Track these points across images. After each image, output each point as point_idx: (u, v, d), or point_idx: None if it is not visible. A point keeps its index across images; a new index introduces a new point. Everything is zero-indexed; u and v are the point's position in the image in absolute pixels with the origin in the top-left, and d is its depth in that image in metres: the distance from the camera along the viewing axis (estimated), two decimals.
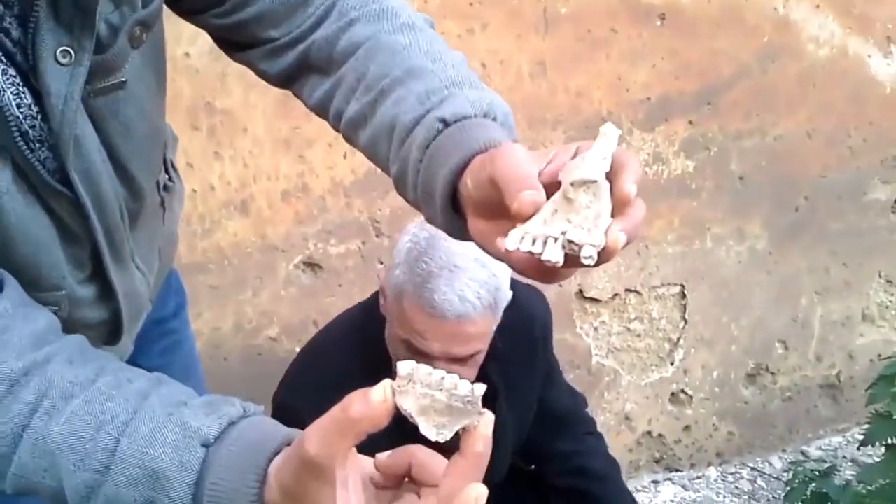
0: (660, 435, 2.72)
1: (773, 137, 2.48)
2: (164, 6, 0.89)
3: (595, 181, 0.58)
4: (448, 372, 0.56)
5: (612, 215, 0.58)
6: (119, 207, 0.89)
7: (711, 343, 2.69)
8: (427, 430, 0.55)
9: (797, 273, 2.71)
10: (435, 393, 0.55)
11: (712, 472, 2.83)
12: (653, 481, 2.75)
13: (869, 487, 2.14)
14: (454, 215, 0.70)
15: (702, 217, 2.50)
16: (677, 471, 2.79)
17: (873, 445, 2.02)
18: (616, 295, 2.49)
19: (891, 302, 2.88)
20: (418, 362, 0.56)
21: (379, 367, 0.96)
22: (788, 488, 2.36)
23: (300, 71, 0.87)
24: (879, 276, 2.82)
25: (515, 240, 0.59)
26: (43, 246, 0.82)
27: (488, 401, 1.42)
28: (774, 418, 2.91)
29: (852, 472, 2.72)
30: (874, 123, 2.60)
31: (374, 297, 1.53)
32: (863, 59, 2.54)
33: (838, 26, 2.49)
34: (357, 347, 1.44)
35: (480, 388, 0.55)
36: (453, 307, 1.27)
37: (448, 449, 0.57)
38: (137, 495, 0.60)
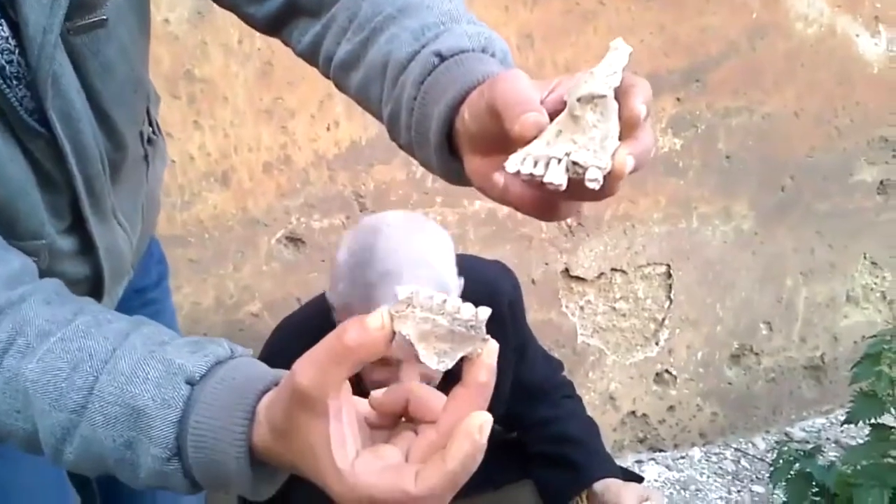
0: (644, 415, 2.72)
1: (760, 116, 2.47)
2: None
3: (604, 96, 0.54)
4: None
5: (620, 138, 0.54)
6: (100, 155, 0.85)
7: (696, 323, 2.68)
8: (427, 357, 0.52)
9: (782, 253, 2.70)
10: (436, 317, 0.52)
11: (696, 453, 2.82)
12: (637, 461, 2.74)
13: (854, 467, 2.14)
14: (450, 157, 0.67)
15: (688, 196, 2.49)
16: (661, 451, 2.79)
17: (856, 424, 2.01)
18: (602, 274, 2.47)
19: (875, 284, 2.89)
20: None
21: None
22: (773, 468, 2.35)
23: (288, 13, 0.82)
24: (864, 258, 2.82)
25: (516, 162, 0.55)
26: (20, 189, 0.79)
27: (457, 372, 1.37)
28: (758, 399, 2.91)
29: (836, 454, 2.73)
30: (861, 103, 2.59)
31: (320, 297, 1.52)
32: (850, 38, 2.52)
33: (826, 4, 2.47)
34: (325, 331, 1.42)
35: (485, 312, 0.52)
36: None
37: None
38: (116, 435, 0.57)
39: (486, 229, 2.20)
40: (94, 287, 0.95)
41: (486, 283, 1.54)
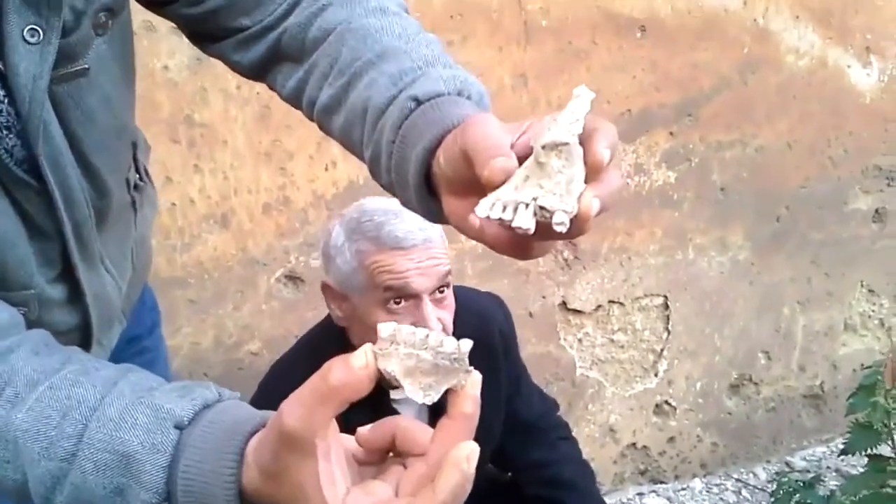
0: (644, 447, 2.72)
1: (753, 148, 2.50)
2: (134, 1, 0.87)
3: (567, 143, 0.55)
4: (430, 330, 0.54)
5: (586, 181, 0.56)
6: (86, 201, 0.86)
7: (695, 354, 2.69)
8: (413, 392, 0.53)
9: (779, 283, 2.72)
10: (420, 352, 0.53)
11: (697, 484, 2.82)
12: (638, 493, 2.74)
13: (853, 498, 2.14)
14: (429, 197, 0.68)
15: (684, 228, 2.51)
16: (662, 483, 2.78)
17: (853, 455, 2.02)
18: (599, 306, 2.49)
19: (873, 311, 2.90)
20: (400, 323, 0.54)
21: None
22: (773, 499, 2.36)
23: (273, 60, 0.85)
24: (861, 286, 2.84)
25: (486, 207, 0.57)
26: (9, 241, 0.80)
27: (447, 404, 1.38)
28: (758, 429, 2.91)
29: (836, 483, 2.73)
30: (854, 133, 2.62)
31: (314, 334, 1.58)
32: (842, 69, 2.56)
33: (818, 37, 2.51)
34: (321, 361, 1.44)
35: (467, 344, 0.53)
36: (418, 234, 1.33)
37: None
38: (106, 482, 0.57)
39: (483, 263, 2.22)
40: (83, 336, 0.95)
41: (477, 313, 1.56)
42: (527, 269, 2.32)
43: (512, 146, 0.59)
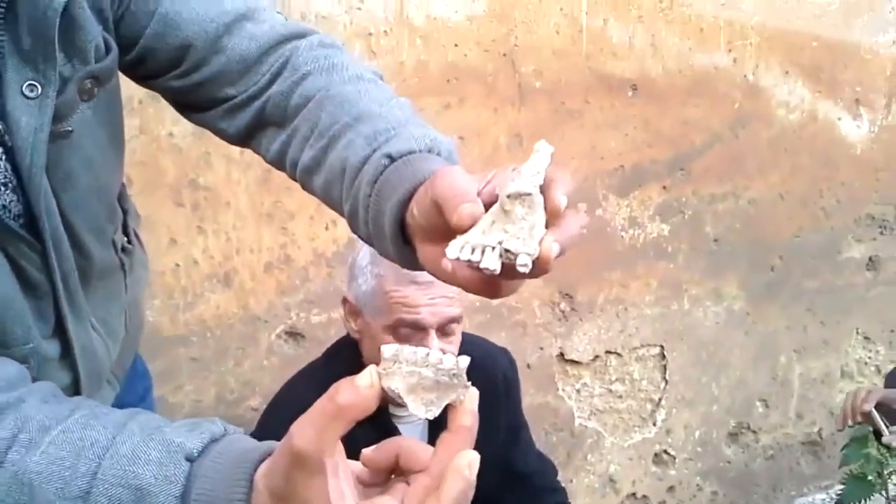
0: (644, 496, 2.73)
1: (746, 200, 2.54)
2: (124, 75, 0.91)
3: (529, 194, 0.60)
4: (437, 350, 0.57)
5: (547, 226, 0.61)
6: (71, 257, 0.90)
7: (693, 403, 2.71)
8: (416, 408, 0.56)
9: (775, 332, 2.75)
10: (421, 370, 0.56)
11: None
12: None
13: None
14: (404, 246, 0.73)
15: (679, 279, 2.55)
16: None
17: None
18: (597, 357, 2.52)
19: (869, 358, 2.92)
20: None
21: None
22: None
23: (257, 126, 0.90)
24: (857, 333, 2.87)
25: (455, 249, 0.61)
26: (7, 296, 0.83)
27: (439, 428, 1.46)
28: (758, 477, 2.92)
29: None
30: (846, 184, 2.67)
31: (332, 346, 1.61)
32: (832, 121, 2.62)
33: (808, 91, 2.57)
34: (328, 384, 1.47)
35: (465, 361, 0.57)
36: None
37: None
38: None
39: (481, 317, 2.26)
40: (74, 395, 0.96)
41: (482, 357, 1.60)
42: (524, 321, 2.35)
43: (478, 194, 0.64)
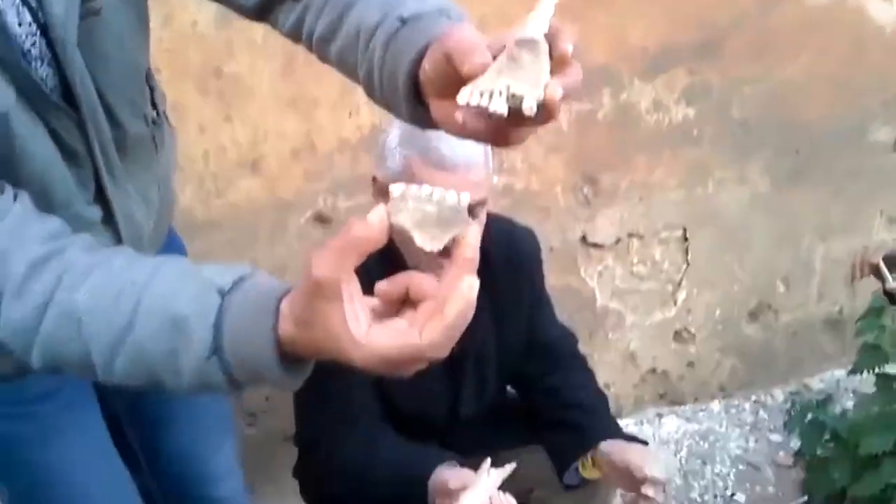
0: (664, 371, 2.83)
1: (773, 83, 2.51)
2: None
3: (535, 40, 0.65)
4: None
5: (552, 74, 0.66)
6: (107, 129, 0.97)
7: (714, 283, 2.76)
8: (423, 241, 0.62)
9: (799, 214, 2.76)
10: (426, 206, 0.62)
11: (715, 406, 2.93)
12: (657, 414, 2.85)
13: (864, 414, 2.24)
14: (418, 106, 0.77)
15: (704, 163, 2.55)
16: (681, 405, 2.90)
17: (861, 374, 2.13)
18: (619, 240, 2.56)
19: (893, 240, 2.93)
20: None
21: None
22: (788, 417, 2.47)
23: (273, 1, 0.94)
24: (881, 215, 2.86)
25: (466, 94, 0.66)
26: (49, 163, 0.91)
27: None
28: (777, 354, 2.99)
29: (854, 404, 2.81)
30: (875, 65, 2.61)
31: None
32: (862, 2, 2.54)
33: None
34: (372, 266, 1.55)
35: (466, 197, 0.63)
36: (461, 157, 1.40)
37: None
38: (161, 345, 0.66)
39: (505, 201, 2.30)
40: None
41: (508, 236, 1.69)
42: (547, 206, 2.39)
43: (488, 47, 0.68)
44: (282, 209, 2.05)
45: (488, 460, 1.33)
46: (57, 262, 0.72)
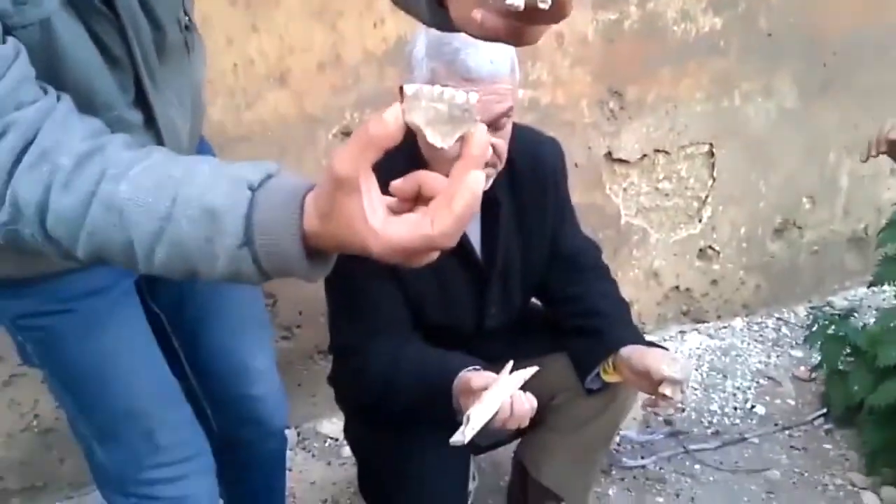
0: (687, 289, 2.85)
1: None
2: None
3: None
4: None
5: None
6: (147, 31, 1.00)
7: (739, 200, 2.76)
8: (434, 138, 0.66)
9: (826, 129, 2.74)
10: (437, 105, 0.65)
11: (738, 323, 2.96)
12: (680, 331, 2.89)
13: (886, 326, 2.25)
14: (438, 9, 0.81)
15: (730, 75, 2.53)
16: (704, 322, 2.93)
17: (881, 286, 2.13)
18: (645, 156, 2.56)
19: None
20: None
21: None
22: (809, 332, 2.48)
23: None
24: None
25: None
26: (92, 67, 0.94)
27: (492, 209, 1.54)
28: (801, 271, 3.01)
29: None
30: None
31: None
32: None
33: None
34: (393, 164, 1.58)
35: (474, 97, 0.66)
36: (486, 68, 1.42)
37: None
38: (198, 233, 0.71)
39: (530, 116, 2.30)
40: None
41: (533, 148, 1.69)
42: (572, 121, 2.39)
43: None
44: (310, 124, 2.07)
45: (511, 362, 1.37)
46: (100, 156, 0.76)
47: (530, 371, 1.38)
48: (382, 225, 0.66)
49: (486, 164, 1.46)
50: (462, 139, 0.66)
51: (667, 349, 1.70)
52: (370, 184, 0.67)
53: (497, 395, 1.25)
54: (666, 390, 1.54)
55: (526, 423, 1.37)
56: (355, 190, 0.65)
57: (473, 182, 0.65)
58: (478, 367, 1.48)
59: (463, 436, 1.20)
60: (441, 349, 1.59)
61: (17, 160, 0.75)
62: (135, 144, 0.80)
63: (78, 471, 2.03)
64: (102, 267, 1.15)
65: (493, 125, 1.46)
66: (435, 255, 0.70)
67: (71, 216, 0.74)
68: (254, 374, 1.48)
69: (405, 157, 1.52)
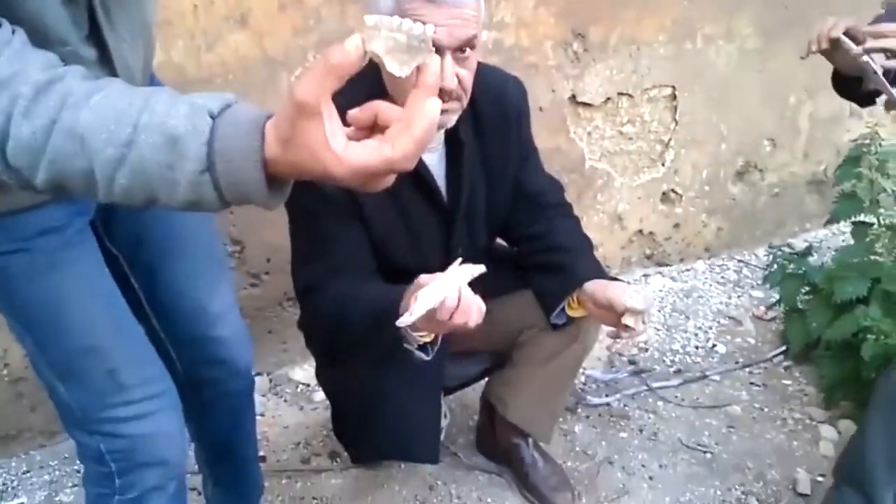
0: (651, 233, 2.89)
1: None
2: None
3: None
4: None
5: None
6: None
7: (701, 143, 2.79)
8: (392, 66, 0.69)
9: (787, 71, 2.76)
10: (396, 35, 0.68)
11: (700, 265, 3.02)
12: (644, 275, 2.94)
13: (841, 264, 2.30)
14: None
15: (692, 17, 2.54)
16: (667, 265, 2.98)
17: (838, 223, 2.16)
18: (608, 99, 2.57)
19: (878, 99, 2.95)
20: None
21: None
22: (768, 271, 2.53)
23: None
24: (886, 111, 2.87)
25: None
26: (46, 1, 0.93)
27: (456, 149, 1.54)
28: (762, 214, 3.06)
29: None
30: None
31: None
32: None
33: None
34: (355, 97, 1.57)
35: (430, 29, 0.69)
36: None
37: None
38: (160, 159, 0.71)
39: (494, 58, 2.29)
40: None
41: (497, 86, 1.68)
42: (536, 63, 2.39)
43: None
44: (271, 66, 2.05)
45: (459, 260, 1.36)
46: (60, 85, 0.75)
47: (479, 268, 1.37)
48: (344, 149, 0.69)
49: (452, 98, 1.46)
50: (418, 69, 0.69)
51: (628, 283, 1.73)
52: (331, 110, 0.69)
53: (445, 283, 1.27)
54: (628, 321, 1.57)
55: (472, 323, 1.34)
56: (317, 115, 0.67)
57: (430, 108, 0.68)
58: None
59: (410, 316, 1.22)
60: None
61: None
62: (90, 76, 0.79)
63: (49, 419, 2.03)
64: (56, 206, 1.16)
65: (458, 52, 1.44)
66: (392, 178, 0.73)
67: (32, 144, 0.74)
68: (211, 316, 1.47)
69: (366, 90, 1.51)
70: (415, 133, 0.68)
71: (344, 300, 1.56)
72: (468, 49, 1.46)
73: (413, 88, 0.70)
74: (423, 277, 1.36)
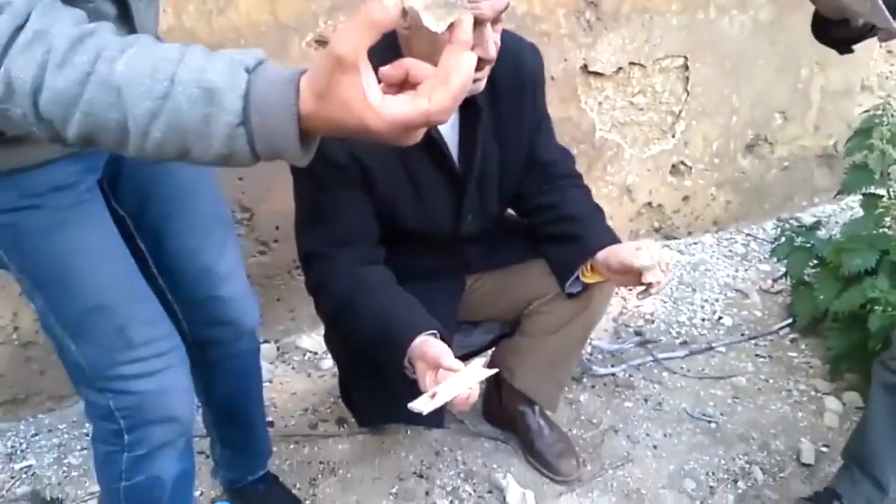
0: (660, 205, 2.88)
1: None
2: None
3: None
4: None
5: None
6: None
7: (712, 115, 2.78)
8: (429, 22, 0.71)
9: (799, 43, 2.74)
10: None
11: (708, 239, 3.02)
12: None
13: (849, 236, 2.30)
14: None
15: None
16: (675, 238, 2.98)
17: (849, 195, 2.16)
18: (620, 69, 2.56)
19: (891, 72, 2.93)
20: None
21: None
22: (775, 244, 2.53)
23: None
24: (881, 46, 2.85)
25: None
26: None
27: (471, 116, 1.55)
28: (771, 188, 3.05)
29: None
30: None
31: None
32: None
33: None
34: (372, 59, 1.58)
35: None
36: None
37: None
38: (196, 111, 0.72)
39: (506, 26, 2.27)
40: None
41: (515, 53, 1.67)
42: (548, 31, 2.38)
43: None
44: (283, 31, 2.04)
45: (480, 358, 1.39)
46: (93, 39, 0.76)
47: (493, 372, 1.43)
48: (381, 103, 0.69)
49: (485, 64, 1.47)
50: (452, 25, 0.71)
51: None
52: (367, 65, 0.70)
53: (464, 380, 1.32)
54: (649, 278, 1.58)
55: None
56: (354, 69, 0.68)
57: (466, 62, 0.70)
58: (435, 332, 1.49)
59: (425, 407, 1.25)
60: (407, 294, 1.59)
61: (10, 41, 0.75)
62: (119, 31, 0.80)
63: (59, 383, 2.05)
64: (69, 162, 1.17)
65: (495, 21, 1.45)
66: (423, 132, 0.74)
67: (66, 95, 0.74)
68: (217, 277, 1.49)
69: (380, 54, 1.51)
70: (452, 86, 0.69)
71: (355, 292, 1.58)
72: (503, 13, 1.47)
73: (447, 45, 0.71)
74: (430, 349, 1.40)
